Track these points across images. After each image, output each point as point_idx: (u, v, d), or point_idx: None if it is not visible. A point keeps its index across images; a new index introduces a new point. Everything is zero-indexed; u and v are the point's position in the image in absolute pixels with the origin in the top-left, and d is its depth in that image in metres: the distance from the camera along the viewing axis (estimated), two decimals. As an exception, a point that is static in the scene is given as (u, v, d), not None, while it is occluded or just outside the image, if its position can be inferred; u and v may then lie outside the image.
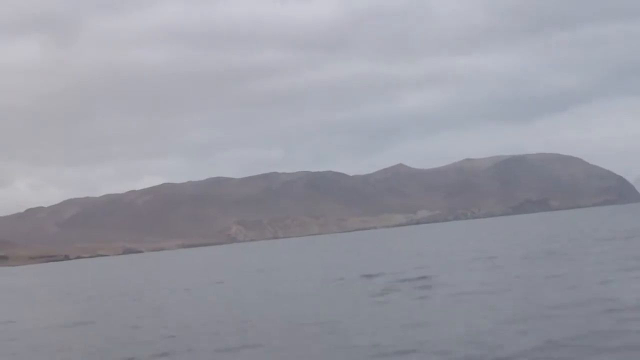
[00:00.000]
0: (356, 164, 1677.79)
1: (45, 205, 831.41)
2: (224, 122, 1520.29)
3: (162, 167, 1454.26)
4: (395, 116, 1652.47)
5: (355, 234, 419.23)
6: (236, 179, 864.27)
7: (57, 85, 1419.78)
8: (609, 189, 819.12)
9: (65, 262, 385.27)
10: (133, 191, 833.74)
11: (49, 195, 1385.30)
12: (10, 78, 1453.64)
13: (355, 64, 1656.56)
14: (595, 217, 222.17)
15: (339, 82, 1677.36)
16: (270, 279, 75.89)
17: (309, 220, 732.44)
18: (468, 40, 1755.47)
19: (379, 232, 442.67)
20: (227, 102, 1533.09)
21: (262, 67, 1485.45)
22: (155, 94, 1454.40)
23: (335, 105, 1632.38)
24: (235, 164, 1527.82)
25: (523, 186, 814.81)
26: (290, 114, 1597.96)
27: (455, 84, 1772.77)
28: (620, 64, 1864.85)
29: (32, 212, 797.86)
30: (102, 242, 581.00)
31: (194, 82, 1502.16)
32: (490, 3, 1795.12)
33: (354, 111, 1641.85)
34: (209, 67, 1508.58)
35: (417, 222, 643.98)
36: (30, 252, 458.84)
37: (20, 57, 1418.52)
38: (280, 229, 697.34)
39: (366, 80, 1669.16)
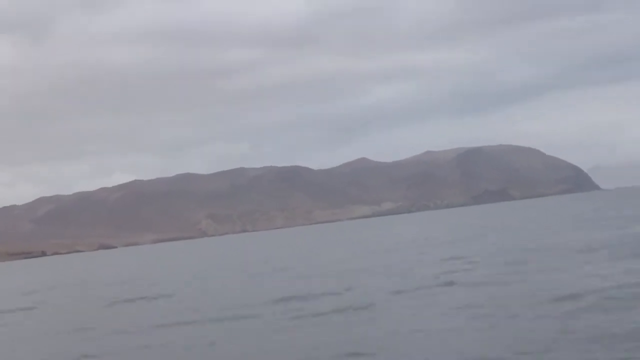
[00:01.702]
0: (321, 158, 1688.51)
1: (19, 202, 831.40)
2: (193, 119, 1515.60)
3: (132, 164, 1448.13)
4: (359, 111, 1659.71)
5: (322, 226, 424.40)
6: (205, 174, 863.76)
7: (29, 85, 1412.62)
8: (566, 179, 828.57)
9: (43, 259, 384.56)
10: (104, 188, 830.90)
11: (22, 193, 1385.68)
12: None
13: (321, 61, 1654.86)
14: (558, 205, 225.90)
15: (304, 79, 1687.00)
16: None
17: (277, 214, 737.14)
18: (431, 36, 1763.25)
19: (344, 224, 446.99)
20: (196, 99, 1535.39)
21: (231, 65, 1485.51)
22: (125, 92, 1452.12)
23: (301, 101, 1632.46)
24: (203, 160, 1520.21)
25: (483, 177, 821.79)
26: (258, 110, 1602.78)
27: (418, 79, 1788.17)
28: (576, 58, 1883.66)
29: (6, 210, 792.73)
30: (77, 238, 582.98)
31: (164, 81, 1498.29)
32: (451, 0, 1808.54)
33: (320, 106, 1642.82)
34: (179, 65, 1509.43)
35: (382, 214, 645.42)
36: (7, 248, 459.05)
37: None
38: (249, 223, 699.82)
39: (331, 76, 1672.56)
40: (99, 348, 31.72)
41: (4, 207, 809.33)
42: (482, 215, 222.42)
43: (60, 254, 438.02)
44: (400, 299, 38.32)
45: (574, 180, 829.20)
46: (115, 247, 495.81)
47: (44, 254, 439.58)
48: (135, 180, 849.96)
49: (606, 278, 35.96)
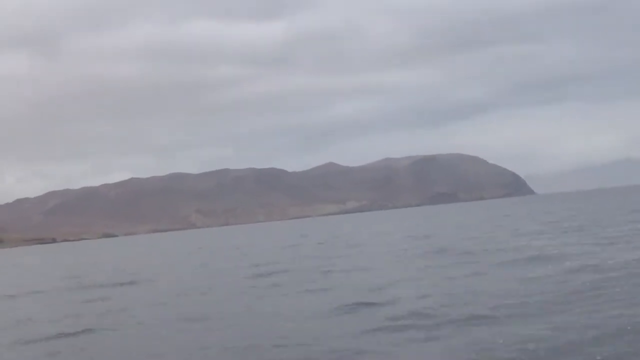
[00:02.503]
0: (295, 162, 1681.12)
1: (31, 196, 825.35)
2: (183, 126, 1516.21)
3: (130, 164, 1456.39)
4: (328, 122, 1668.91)
5: (295, 221, 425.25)
6: (194, 174, 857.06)
7: (42, 93, 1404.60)
8: (507, 184, 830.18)
9: (54, 245, 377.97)
10: (106, 184, 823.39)
11: (34, 187, 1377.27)
12: (1, 88, 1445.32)
13: (295, 79, 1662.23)
14: (496, 207, 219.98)
15: (281, 94, 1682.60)
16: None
17: (256, 210, 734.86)
18: (392, 58, 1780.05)
19: (314, 219, 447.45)
20: (186, 109, 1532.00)
21: (217, 80, 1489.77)
22: (124, 101, 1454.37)
23: (278, 112, 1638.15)
24: (193, 161, 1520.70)
25: (435, 181, 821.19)
26: (240, 119, 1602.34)
27: (379, 96, 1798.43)
28: (515, 81, 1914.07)
29: (19, 202, 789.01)
30: (83, 227, 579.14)
31: (158, 92, 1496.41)
32: (411, 27, 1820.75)
33: (294, 117, 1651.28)
34: (172, 79, 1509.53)
35: (347, 212, 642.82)
36: (22, 235, 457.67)
37: (11, 68, 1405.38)
38: (232, 217, 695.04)
39: (304, 91, 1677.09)
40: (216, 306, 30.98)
41: (18, 200, 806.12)
42: (428, 214, 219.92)
43: (69, 240, 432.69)
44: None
45: (513, 186, 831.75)
46: (117, 236, 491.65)
47: (54, 240, 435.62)
48: (133, 178, 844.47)
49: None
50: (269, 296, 33.09)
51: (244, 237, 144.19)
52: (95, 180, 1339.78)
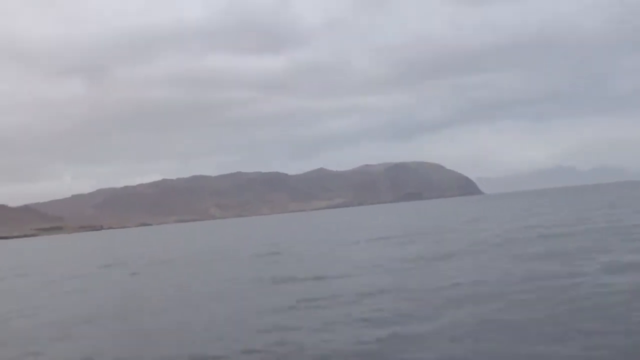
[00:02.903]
0: (293, 167, 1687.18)
1: (84, 192, 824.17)
2: (204, 137, 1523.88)
3: (161, 168, 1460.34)
4: (319, 135, 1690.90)
5: (293, 214, 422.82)
6: (213, 176, 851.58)
7: (93, 111, 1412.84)
8: (461, 186, 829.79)
9: (102, 231, 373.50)
10: (142, 184, 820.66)
11: (86, 185, 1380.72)
12: (62, 106, 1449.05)
13: (294, 100, 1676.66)
14: (456, 204, 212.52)
15: (282, 112, 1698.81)
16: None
17: (263, 205, 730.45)
18: (370, 85, 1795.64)
19: (308, 213, 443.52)
20: (206, 123, 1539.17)
21: (230, 101, 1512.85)
22: (157, 117, 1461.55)
23: (279, 126, 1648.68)
24: (211, 166, 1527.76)
25: (405, 183, 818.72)
26: (249, 132, 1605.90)
27: (361, 114, 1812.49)
28: (470, 103, 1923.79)
29: (75, 197, 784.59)
30: (124, 217, 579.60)
31: (184, 110, 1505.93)
32: (386, 61, 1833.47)
33: (292, 131, 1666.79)
34: (195, 100, 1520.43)
35: (334, 207, 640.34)
36: (77, 224, 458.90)
37: (69, 91, 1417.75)
38: (243, 211, 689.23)
39: (301, 110, 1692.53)
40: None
41: (74, 195, 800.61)
42: (399, 210, 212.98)
43: (113, 228, 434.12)
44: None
45: (466, 187, 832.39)
46: (151, 225, 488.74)
47: (102, 228, 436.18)
48: (164, 179, 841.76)
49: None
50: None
51: (281, 225, 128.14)
52: (133, 180, 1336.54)
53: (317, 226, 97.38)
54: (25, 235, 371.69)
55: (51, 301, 27.89)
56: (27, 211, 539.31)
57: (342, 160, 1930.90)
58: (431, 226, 62.87)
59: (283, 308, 19.25)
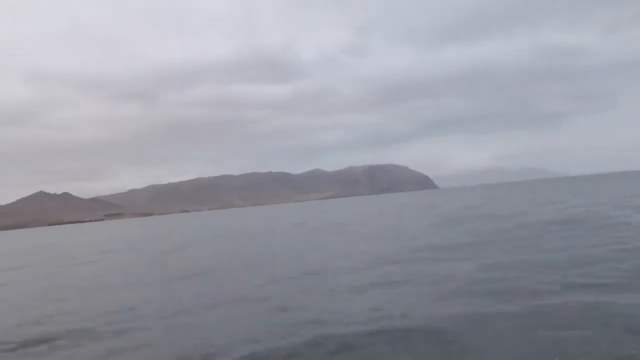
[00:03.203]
0: (295, 168, 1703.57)
1: (138, 187, 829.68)
2: (229, 145, 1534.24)
3: (196, 169, 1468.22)
4: (315, 143, 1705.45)
5: (295, 204, 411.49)
6: (235, 175, 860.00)
7: (144, 126, 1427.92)
8: (421, 182, 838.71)
9: (152, 217, 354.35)
10: (182, 181, 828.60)
11: (140, 182, 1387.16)
12: (124, 122, 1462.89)
13: (296, 117, 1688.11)
14: (419, 196, 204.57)
15: (287, 126, 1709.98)
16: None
17: (273, 196, 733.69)
18: (354, 107, 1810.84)
19: (307, 203, 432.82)
20: (230, 135, 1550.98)
21: (249, 118, 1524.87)
22: (193, 131, 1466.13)
23: (285, 137, 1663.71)
24: (234, 167, 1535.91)
25: (379, 180, 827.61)
26: (262, 141, 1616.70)
27: (346, 128, 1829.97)
28: (426, 121, 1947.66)
29: (131, 192, 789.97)
30: (169, 206, 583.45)
31: (214, 125, 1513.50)
32: (365, 89, 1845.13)
33: (295, 140, 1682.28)
34: (223, 118, 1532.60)
35: (326, 198, 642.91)
36: (132, 211, 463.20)
37: (126, 111, 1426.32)
38: (259, 201, 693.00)
39: (302, 125, 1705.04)
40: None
41: (130, 190, 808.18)
42: (377, 201, 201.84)
43: (160, 214, 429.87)
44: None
45: (424, 183, 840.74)
46: (189, 212, 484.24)
47: (152, 214, 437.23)
48: (199, 177, 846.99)
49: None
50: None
51: (299, 211, 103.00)
52: (175, 178, 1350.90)
53: (318, 210, 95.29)
54: (95, 220, 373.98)
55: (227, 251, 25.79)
56: (96, 201, 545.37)
57: (332, 162, 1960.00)
58: (395, 208, 64.78)
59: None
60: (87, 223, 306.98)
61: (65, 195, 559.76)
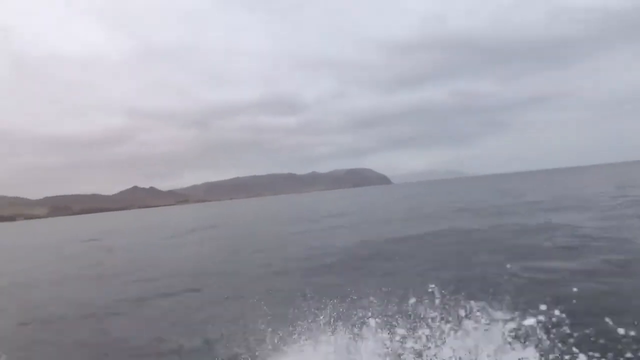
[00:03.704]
0: (300, 170, 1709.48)
1: (198, 183, 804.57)
2: (257, 156, 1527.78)
3: (236, 171, 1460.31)
4: (314, 155, 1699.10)
5: (300, 195, 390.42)
6: (261, 175, 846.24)
7: (197, 143, 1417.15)
8: (381, 179, 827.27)
9: (207, 203, 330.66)
10: (225, 180, 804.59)
11: (198, 180, 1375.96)
12: (187, 142, 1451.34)
13: (300, 137, 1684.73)
14: (374, 192, 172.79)
15: (294, 143, 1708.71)
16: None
17: (285, 189, 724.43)
18: (339, 130, 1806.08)
19: (307, 194, 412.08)
20: (257, 150, 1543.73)
21: (266, 139, 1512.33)
22: (232, 147, 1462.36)
23: (294, 151, 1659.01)
24: (260, 169, 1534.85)
25: (357, 179, 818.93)
26: (278, 154, 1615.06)
27: (334, 145, 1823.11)
28: (387, 140, 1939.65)
29: (193, 186, 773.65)
30: (216, 196, 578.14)
31: (247, 144, 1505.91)
32: (346, 119, 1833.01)
33: (299, 153, 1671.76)
34: (251, 139, 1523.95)
35: (321, 190, 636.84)
36: (195, 199, 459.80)
37: (184, 135, 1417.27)
38: (276, 192, 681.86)
39: (304, 143, 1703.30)
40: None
41: (192, 185, 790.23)
42: (355, 194, 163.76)
43: (212, 201, 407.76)
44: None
45: (383, 180, 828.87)
46: (232, 199, 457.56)
47: (207, 201, 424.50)
48: (237, 177, 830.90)
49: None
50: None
51: (324, 200, 70.04)
52: (221, 177, 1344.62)
53: (325, 199, 78.95)
54: (169, 204, 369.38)
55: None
56: (171, 193, 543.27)
57: (324, 166, 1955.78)
58: (370, 197, 61.01)
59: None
60: (163, 207, 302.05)
61: (151, 188, 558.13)
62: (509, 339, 3.30)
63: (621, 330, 3.41)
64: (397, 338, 3.54)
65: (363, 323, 3.78)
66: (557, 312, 3.35)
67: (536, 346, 3.24)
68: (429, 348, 3.37)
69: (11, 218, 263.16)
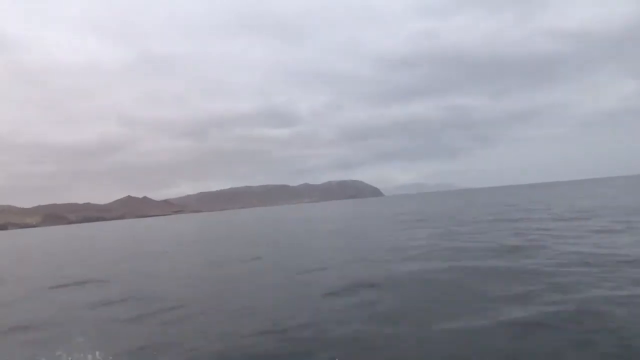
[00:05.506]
0: (293, 181, 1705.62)
1: (192, 193, 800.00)
2: (251, 166, 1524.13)
3: (231, 182, 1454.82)
4: (307, 167, 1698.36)
5: (292, 205, 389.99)
6: (255, 186, 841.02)
7: (198, 153, 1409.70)
8: (372, 192, 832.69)
9: (202, 213, 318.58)
10: (221, 190, 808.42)
11: (192, 190, 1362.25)
12: (183, 152, 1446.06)
13: (293, 149, 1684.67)
14: (372, 203, 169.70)
15: (288, 156, 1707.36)
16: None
17: (279, 200, 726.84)
18: (331, 143, 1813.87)
19: (300, 205, 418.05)
20: (252, 160, 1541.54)
21: (263, 150, 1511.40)
22: (229, 157, 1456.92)
23: (287, 164, 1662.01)
24: (255, 181, 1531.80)
25: (348, 190, 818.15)
26: (273, 166, 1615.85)
27: (326, 157, 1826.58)
28: (376, 154, 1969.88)
29: (188, 196, 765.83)
30: (211, 206, 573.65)
31: (242, 154, 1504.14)
32: (338, 133, 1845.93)
33: (293, 165, 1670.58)
34: (247, 149, 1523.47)
35: (312, 202, 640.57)
36: (189, 209, 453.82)
37: (183, 146, 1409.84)
38: (269, 203, 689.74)
39: (298, 155, 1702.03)
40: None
41: (186, 195, 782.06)
42: (348, 205, 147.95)
43: (206, 212, 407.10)
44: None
45: (375, 192, 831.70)
46: (226, 210, 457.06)
47: (201, 211, 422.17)
48: (232, 187, 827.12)
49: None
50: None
51: (322, 209, 76.48)
52: (216, 187, 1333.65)
53: (318, 208, 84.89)
54: (164, 214, 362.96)
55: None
56: (165, 202, 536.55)
57: (317, 178, 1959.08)
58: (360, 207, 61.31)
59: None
60: (159, 216, 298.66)
61: (145, 198, 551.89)
62: None
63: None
64: None
65: None
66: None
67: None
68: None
69: (3, 227, 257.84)
